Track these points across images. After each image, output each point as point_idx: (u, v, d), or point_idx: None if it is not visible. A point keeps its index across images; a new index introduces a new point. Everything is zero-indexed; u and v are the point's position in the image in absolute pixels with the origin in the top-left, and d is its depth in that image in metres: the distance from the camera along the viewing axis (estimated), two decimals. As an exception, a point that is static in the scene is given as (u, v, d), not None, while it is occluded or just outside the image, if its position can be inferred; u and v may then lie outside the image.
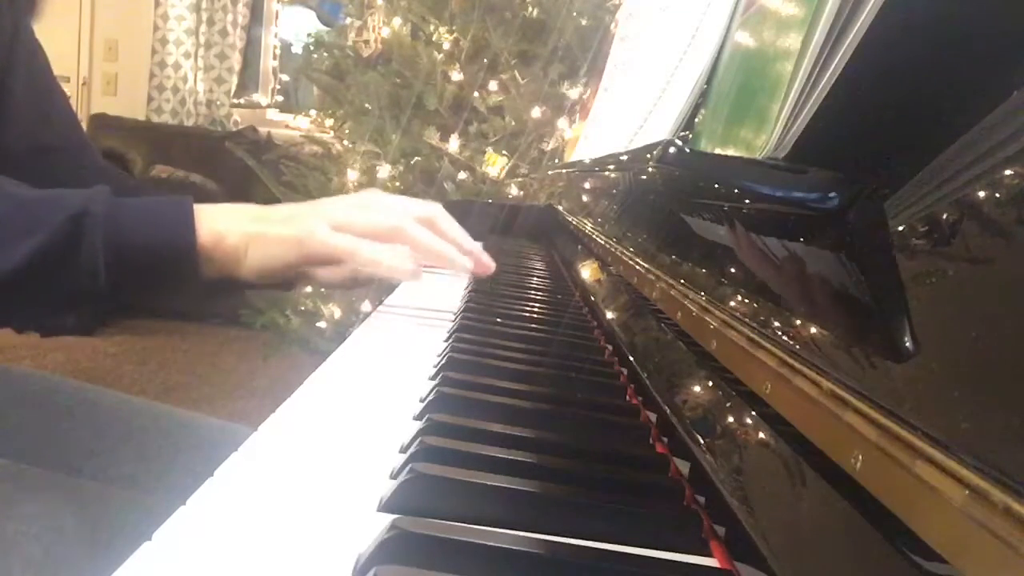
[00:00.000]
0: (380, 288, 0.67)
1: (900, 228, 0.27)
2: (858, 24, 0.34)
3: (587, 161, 1.13)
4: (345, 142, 2.24)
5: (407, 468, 0.34)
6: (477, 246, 0.68)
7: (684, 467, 0.40)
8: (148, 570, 0.27)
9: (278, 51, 4.46)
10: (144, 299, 0.65)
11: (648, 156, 0.60)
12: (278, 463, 0.37)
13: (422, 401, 0.47)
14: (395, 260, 0.62)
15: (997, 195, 0.23)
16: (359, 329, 0.67)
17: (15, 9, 0.80)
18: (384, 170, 2.05)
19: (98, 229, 0.56)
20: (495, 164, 2.07)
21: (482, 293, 0.84)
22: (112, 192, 0.58)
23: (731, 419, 0.37)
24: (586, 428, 0.45)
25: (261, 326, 2.26)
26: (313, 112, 2.56)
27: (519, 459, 0.37)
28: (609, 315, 0.67)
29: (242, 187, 2.89)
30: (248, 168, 2.33)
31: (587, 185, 1.16)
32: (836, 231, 0.31)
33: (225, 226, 0.61)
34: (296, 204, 0.65)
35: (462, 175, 2.07)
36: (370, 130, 2.09)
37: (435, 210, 0.66)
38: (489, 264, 0.67)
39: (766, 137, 0.40)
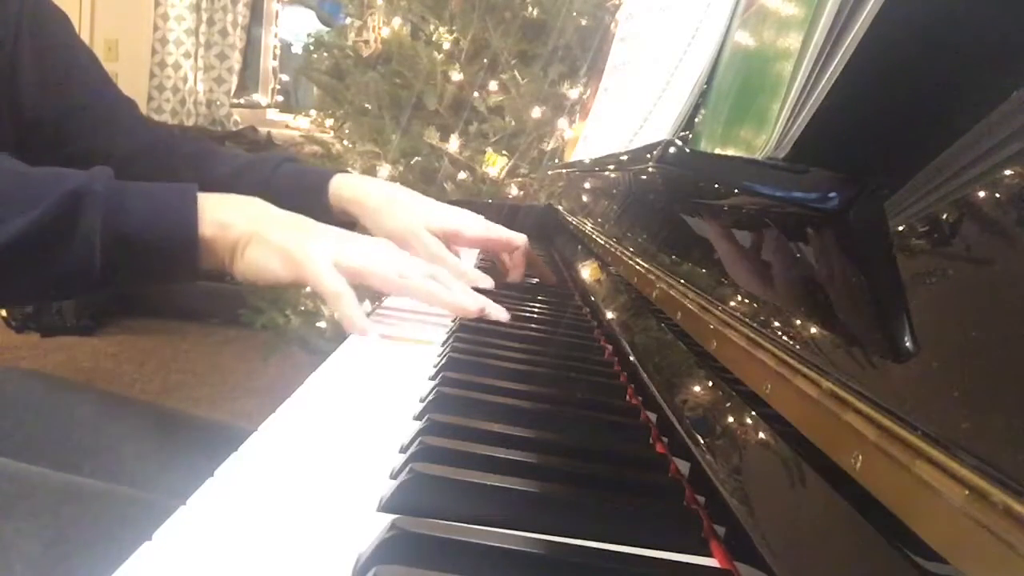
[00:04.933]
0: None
1: (900, 228, 0.27)
2: (858, 24, 0.34)
3: (587, 161, 1.13)
4: (345, 142, 2.24)
5: (407, 468, 0.34)
6: (484, 300, 0.68)
7: (684, 467, 0.40)
8: (148, 570, 0.27)
9: (278, 51, 4.46)
10: (138, 287, 0.63)
11: (648, 156, 0.60)
12: (278, 463, 0.37)
13: (422, 401, 0.47)
14: (364, 324, 0.62)
15: (997, 195, 0.23)
16: (359, 329, 0.66)
17: None
18: (384, 170, 2.05)
19: (97, 207, 0.55)
20: (495, 164, 2.07)
21: (482, 293, 0.84)
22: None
23: (731, 419, 0.37)
24: (586, 428, 0.45)
25: (261, 326, 2.26)
26: (313, 112, 2.56)
27: (519, 459, 0.37)
28: (609, 315, 0.67)
29: (242, 187, 2.88)
30: (248, 168, 2.32)
31: (587, 185, 1.16)
32: (836, 231, 0.31)
33: (230, 218, 0.59)
34: (308, 220, 0.65)
35: (462, 175, 2.07)
36: (370, 130, 2.09)
37: (440, 271, 0.67)
38: (499, 315, 0.67)
39: (766, 137, 0.40)
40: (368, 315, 0.70)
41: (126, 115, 0.88)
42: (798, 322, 0.33)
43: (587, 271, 0.89)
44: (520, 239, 0.85)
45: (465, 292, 0.67)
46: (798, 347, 0.31)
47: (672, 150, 0.56)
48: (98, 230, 0.55)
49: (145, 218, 0.57)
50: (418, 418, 0.44)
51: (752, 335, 0.36)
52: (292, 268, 0.60)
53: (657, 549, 0.32)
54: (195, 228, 0.58)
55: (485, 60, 2.06)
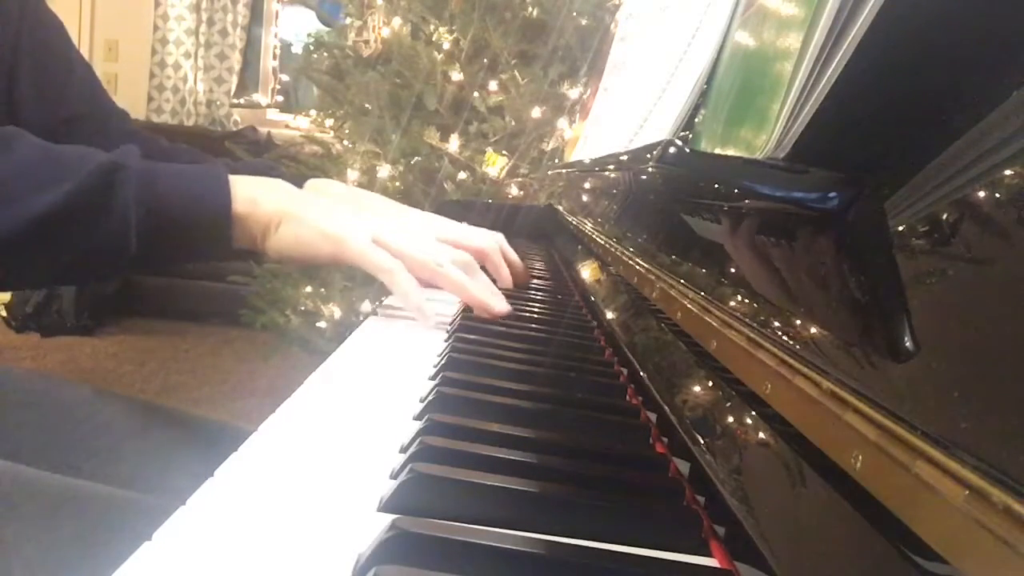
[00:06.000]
0: (380, 289, 0.67)
1: (900, 228, 0.27)
2: (858, 24, 0.34)
3: (587, 161, 1.13)
4: (345, 142, 2.24)
5: (407, 468, 0.34)
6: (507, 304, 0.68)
7: (684, 467, 0.40)
8: (148, 570, 0.27)
9: (278, 51, 4.46)
10: (171, 264, 0.64)
11: (648, 156, 0.60)
12: (278, 463, 0.37)
13: (422, 401, 0.47)
14: (419, 299, 0.62)
15: (997, 195, 0.23)
16: (359, 329, 0.67)
17: None
18: (384, 170, 2.05)
19: (131, 182, 0.55)
20: (495, 164, 2.07)
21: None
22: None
23: (731, 419, 0.37)
24: (586, 428, 0.45)
25: (261, 326, 2.26)
26: (313, 112, 2.56)
27: (519, 459, 0.37)
28: (609, 315, 0.67)
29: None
30: (248, 168, 2.32)
31: (587, 185, 1.16)
32: (836, 231, 0.31)
33: (261, 195, 0.60)
34: (340, 200, 0.65)
35: (462, 175, 2.07)
36: (370, 130, 2.09)
37: (468, 258, 0.68)
38: (501, 309, 0.68)
39: (766, 137, 0.40)
40: (369, 315, 0.70)
41: (118, 126, 0.88)
42: (798, 322, 0.33)
43: (587, 271, 0.89)
44: (489, 244, 0.79)
45: (494, 293, 0.67)
46: (798, 347, 0.31)
47: (672, 150, 0.56)
48: (132, 204, 0.54)
49: (179, 193, 0.57)
50: (418, 418, 0.44)
51: (752, 335, 0.36)
52: (332, 245, 0.60)
53: (657, 549, 0.32)
54: (228, 202, 0.58)
55: (485, 60, 2.06)
